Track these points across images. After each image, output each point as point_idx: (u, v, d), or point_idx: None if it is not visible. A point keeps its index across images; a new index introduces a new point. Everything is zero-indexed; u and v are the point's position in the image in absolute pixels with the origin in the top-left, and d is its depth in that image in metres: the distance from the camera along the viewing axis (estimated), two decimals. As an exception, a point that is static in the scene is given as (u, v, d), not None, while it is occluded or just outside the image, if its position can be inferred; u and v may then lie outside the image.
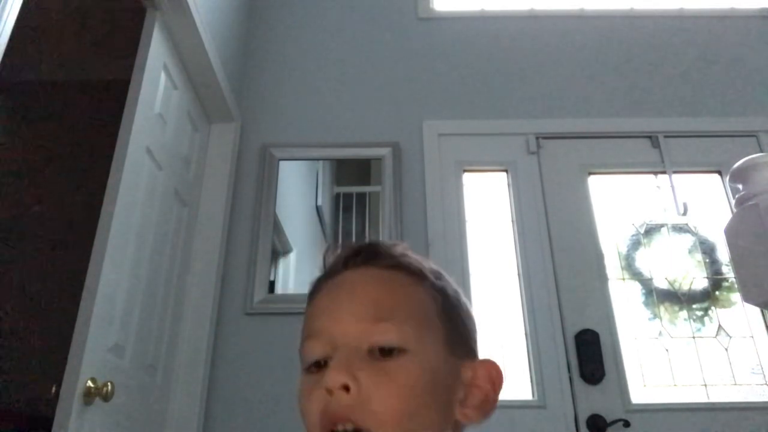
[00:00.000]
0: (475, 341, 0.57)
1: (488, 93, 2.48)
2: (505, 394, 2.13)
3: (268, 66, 2.56)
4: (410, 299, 0.53)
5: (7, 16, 1.17)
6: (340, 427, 0.46)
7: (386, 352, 0.49)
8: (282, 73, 2.54)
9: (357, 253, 0.56)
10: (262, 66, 2.56)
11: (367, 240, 0.55)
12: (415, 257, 0.57)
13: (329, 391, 0.47)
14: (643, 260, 2.17)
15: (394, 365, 0.48)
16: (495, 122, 2.41)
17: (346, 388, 0.46)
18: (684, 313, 2.09)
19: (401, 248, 0.58)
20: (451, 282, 0.58)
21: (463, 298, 0.58)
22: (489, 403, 0.54)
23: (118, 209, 1.47)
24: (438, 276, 0.57)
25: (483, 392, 0.53)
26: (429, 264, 0.58)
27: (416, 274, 0.55)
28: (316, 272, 0.60)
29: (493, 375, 0.54)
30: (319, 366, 0.50)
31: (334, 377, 0.47)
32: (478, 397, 0.53)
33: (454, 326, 0.54)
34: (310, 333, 0.53)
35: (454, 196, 2.25)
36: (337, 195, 2.42)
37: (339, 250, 0.57)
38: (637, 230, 2.22)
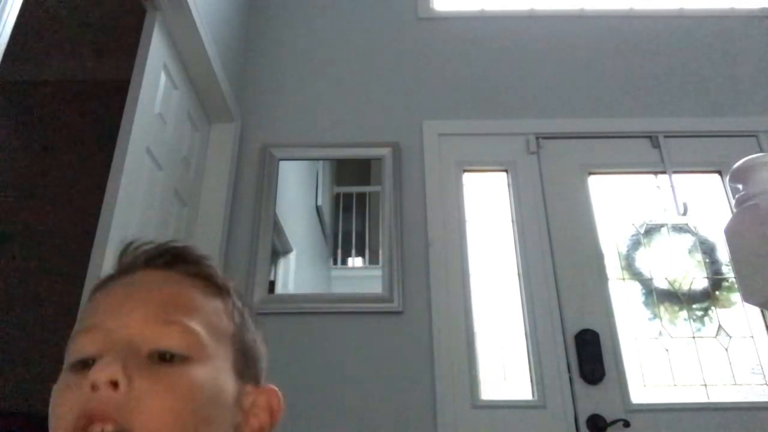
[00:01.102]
0: (262, 369, 0.54)
1: (488, 93, 2.48)
2: (506, 394, 2.11)
3: (268, 66, 2.56)
4: (207, 310, 0.49)
5: (7, 16, 1.17)
6: (97, 428, 0.40)
7: (168, 359, 0.44)
8: (282, 74, 2.54)
9: (160, 254, 0.52)
10: (262, 66, 2.56)
11: (173, 243, 0.53)
12: (219, 271, 0.54)
13: (94, 387, 0.41)
14: (643, 260, 2.17)
15: (174, 373, 0.44)
16: (495, 122, 2.41)
17: (115, 385, 0.41)
18: (684, 313, 2.09)
19: (207, 259, 0.54)
20: (249, 308, 0.56)
21: (257, 327, 0.56)
22: (263, 430, 0.50)
23: (118, 209, 1.47)
24: (240, 297, 0.55)
25: (259, 421, 0.50)
26: (234, 283, 0.55)
27: (220, 288, 0.52)
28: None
29: (273, 404, 0.52)
30: (86, 365, 0.44)
31: (102, 370, 0.41)
32: (253, 426, 0.49)
33: (245, 349, 0.52)
34: (83, 327, 0.47)
35: (454, 196, 2.25)
36: (337, 195, 2.42)
37: (140, 248, 0.53)
38: (637, 230, 2.22)
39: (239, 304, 0.54)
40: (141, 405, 0.41)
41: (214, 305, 0.51)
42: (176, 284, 0.50)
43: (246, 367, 0.51)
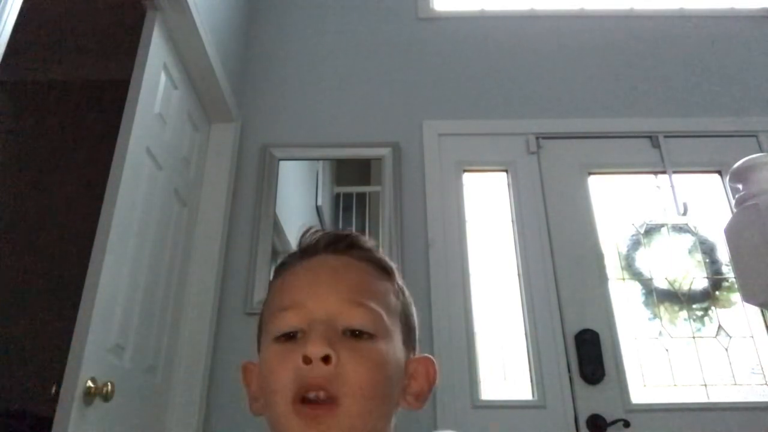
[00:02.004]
0: (417, 339, 0.62)
1: (488, 93, 2.48)
2: (506, 394, 2.11)
3: (268, 66, 2.56)
4: (382, 291, 0.57)
5: (7, 16, 1.17)
6: (312, 395, 0.49)
7: (357, 335, 0.52)
8: (282, 73, 2.54)
9: (338, 240, 0.59)
10: (262, 66, 2.56)
11: (346, 231, 0.61)
12: (383, 254, 0.62)
13: (308, 360, 0.49)
14: (643, 260, 2.17)
15: (366, 347, 0.52)
16: (495, 122, 2.41)
17: (325, 360, 0.49)
18: (684, 313, 2.09)
19: (373, 244, 0.62)
20: (404, 284, 0.63)
21: (411, 300, 0.63)
22: (423, 394, 0.58)
23: (118, 209, 1.47)
24: (399, 276, 0.62)
25: (419, 385, 0.58)
26: (396, 265, 0.63)
27: (387, 270, 0.60)
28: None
29: (430, 371, 0.59)
30: (289, 338, 0.53)
31: (317, 347, 0.49)
32: (415, 389, 0.57)
33: (408, 322, 0.60)
34: (286, 304, 0.54)
35: (454, 196, 2.25)
36: (337, 195, 2.42)
37: (318, 234, 0.61)
38: (637, 230, 2.22)
39: (400, 283, 0.61)
40: (346, 375, 0.50)
41: (385, 287, 0.58)
42: (357, 269, 0.57)
43: (409, 338, 0.59)
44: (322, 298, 0.54)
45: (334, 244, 0.59)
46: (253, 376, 0.59)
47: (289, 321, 0.53)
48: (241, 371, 0.61)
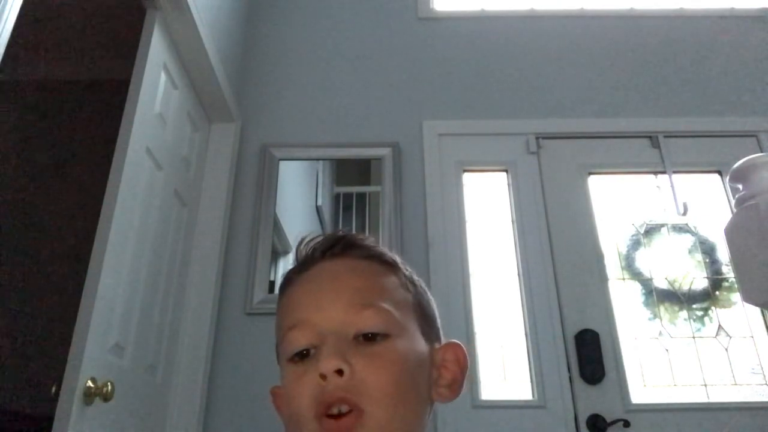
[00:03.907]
0: (439, 327, 0.60)
1: (488, 93, 2.48)
2: (505, 394, 2.10)
3: (268, 66, 2.56)
4: (389, 287, 0.55)
5: (8, 16, 1.17)
6: (335, 410, 0.48)
7: (370, 338, 0.50)
8: (282, 73, 2.54)
9: (333, 244, 0.57)
10: (262, 66, 2.56)
11: (340, 233, 0.58)
12: (385, 248, 0.60)
13: (323, 377, 0.48)
14: (643, 260, 2.17)
15: (380, 348, 0.50)
16: (495, 122, 2.41)
17: (340, 372, 0.48)
18: (684, 313, 2.09)
19: (371, 240, 0.60)
20: (415, 273, 0.61)
21: (426, 287, 0.62)
22: (457, 382, 0.56)
23: (118, 209, 1.47)
24: (406, 266, 0.60)
25: (451, 373, 0.55)
26: (397, 256, 0.60)
27: (390, 264, 0.58)
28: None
29: (460, 356, 0.56)
30: (303, 356, 0.51)
31: (328, 362, 0.48)
32: (447, 378, 0.55)
33: (424, 312, 0.57)
34: (292, 323, 0.53)
35: (454, 196, 2.25)
36: (337, 195, 2.42)
37: (313, 242, 0.58)
38: (637, 230, 2.22)
39: (408, 273, 0.59)
40: (365, 383, 0.48)
41: (391, 281, 0.56)
42: (358, 270, 0.55)
43: (429, 328, 0.57)
44: (327, 309, 0.52)
45: (330, 248, 0.57)
46: (282, 400, 0.56)
47: (298, 340, 0.52)
48: (271, 398, 0.59)
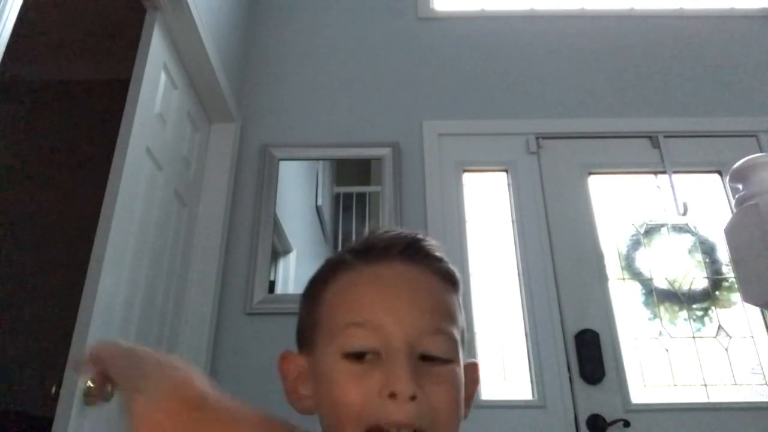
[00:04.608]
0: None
1: (488, 93, 2.48)
2: (506, 394, 2.10)
3: (268, 66, 2.56)
4: (455, 311, 0.54)
5: (7, 16, 1.17)
6: (393, 430, 0.46)
7: (431, 359, 0.50)
8: (282, 73, 2.54)
9: (412, 246, 0.55)
10: (262, 66, 2.56)
11: (420, 236, 0.58)
12: (451, 261, 0.58)
13: (393, 396, 0.46)
14: (643, 260, 2.17)
15: (445, 372, 0.50)
16: (495, 122, 2.41)
17: (414, 398, 0.46)
18: (684, 313, 2.09)
19: (443, 249, 0.58)
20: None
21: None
22: (471, 399, 0.56)
23: (118, 209, 1.47)
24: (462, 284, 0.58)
25: (470, 391, 0.55)
26: (457, 269, 0.58)
27: (456, 284, 0.56)
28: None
29: (477, 376, 0.57)
30: (359, 356, 0.49)
31: (406, 385, 0.46)
32: (467, 397, 0.55)
33: (464, 334, 0.56)
34: (359, 321, 0.50)
35: (454, 196, 2.25)
36: (337, 195, 2.42)
37: (388, 236, 0.56)
38: (637, 230, 2.22)
39: (461, 292, 0.57)
40: (436, 411, 0.48)
41: (456, 303, 0.55)
42: (433, 286, 0.54)
43: (464, 349, 0.55)
44: (402, 321, 0.50)
45: (408, 250, 0.54)
46: (293, 366, 0.55)
47: (363, 341, 0.49)
48: (279, 361, 0.57)
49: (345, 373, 0.49)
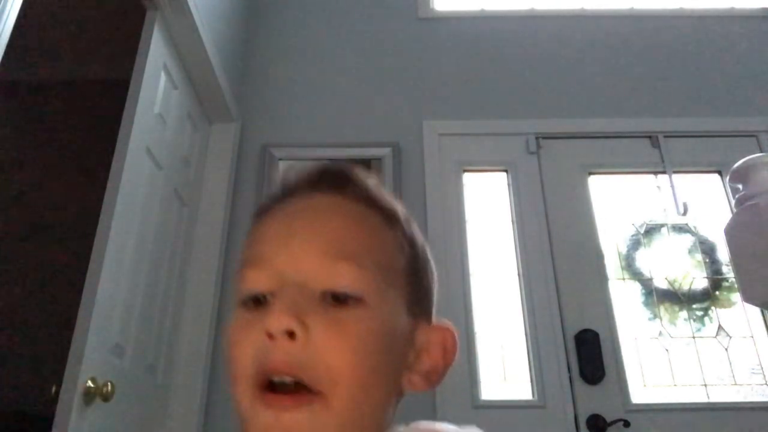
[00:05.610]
0: (433, 303, 0.50)
1: (488, 93, 2.48)
2: (506, 394, 2.10)
3: (268, 66, 2.56)
4: (378, 244, 0.45)
5: (7, 16, 1.17)
6: (276, 379, 0.39)
7: (341, 300, 0.41)
8: (282, 73, 2.54)
9: (325, 176, 0.48)
10: (262, 66, 2.56)
11: (339, 164, 0.51)
12: (388, 194, 0.49)
13: (270, 336, 0.39)
14: (643, 260, 2.17)
15: (350, 315, 0.41)
16: (495, 122, 2.40)
17: (291, 335, 0.39)
18: (684, 313, 2.09)
19: (375, 181, 0.49)
20: (419, 232, 0.50)
21: (429, 254, 0.51)
22: (436, 373, 0.47)
23: (118, 209, 1.47)
24: (408, 222, 0.49)
25: (433, 360, 0.46)
26: (401, 206, 0.49)
27: (389, 216, 0.47)
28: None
29: (448, 343, 0.47)
30: (258, 302, 0.42)
31: (278, 319, 0.39)
32: (426, 365, 0.46)
33: (417, 283, 0.48)
34: (252, 260, 0.44)
35: (454, 196, 2.25)
36: (337, 195, 2.41)
37: (303, 170, 0.49)
38: (637, 230, 2.22)
39: (409, 232, 0.48)
40: (318, 356, 0.39)
41: (384, 237, 0.46)
42: (346, 215, 0.45)
43: (418, 302, 0.47)
44: (296, 252, 0.42)
45: (320, 180, 0.47)
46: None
47: (254, 281, 0.43)
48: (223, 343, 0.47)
49: (237, 323, 0.43)
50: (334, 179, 0.47)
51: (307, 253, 0.42)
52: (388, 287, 0.43)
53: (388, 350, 0.43)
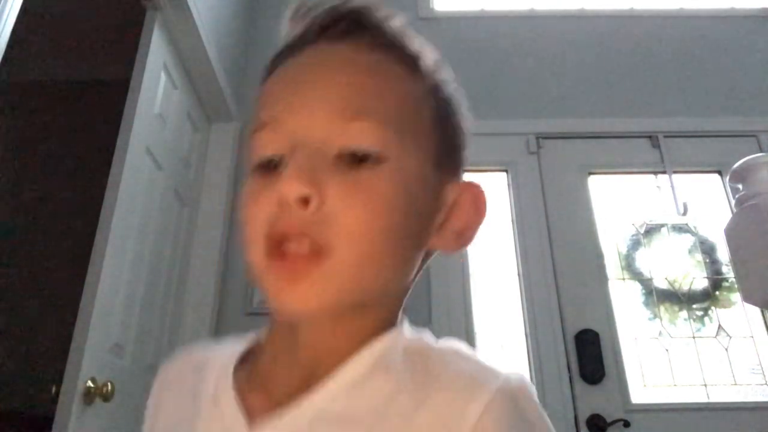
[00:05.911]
0: (465, 158, 0.47)
1: (488, 93, 2.48)
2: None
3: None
4: (398, 95, 0.41)
5: (7, 16, 1.17)
6: (292, 247, 0.36)
7: (359, 159, 0.38)
8: (282, 73, 2.54)
9: (339, 20, 0.42)
10: (263, 66, 2.55)
11: (353, 3, 0.43)
12: (414, 37, 0.44)
13: (283, 204, 0.36)
14: (643, 260, 2.17)
15: (368, 175, 0.38)
16: (495, 122, 2.40)
17: (305, 201, 0.36)
18: (684, 313, 2.09)
19: (399, 22, 0.44)
20: (449, 79, 0.47)
21: (462, 103, 0.48)
22: (469, 231, 0.44)
23: (118, 209, 1.47)
24: (438, 67, 0.45)
25: (465, 218, 0.44)
26: (428, 49, 0.45)
27: (411, 62, 0.43)
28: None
29: (480, 200, 0.44)
30: (270, 168, 0.39)
31: (291, 185, 0.36)
32: (458, 224, 0.43)
33: (446, 137, 0.44)
34: (261, 122, 0.41)
35: (454, 196, 2.24)
36: (337, 195, 2.41)
37: (312, 12, 0.44)
38: (637, 230, 2.22)
39: (436, 78, 0.44)
40: (335, 221, 0.36)
41: (405, 87, 0.41)
42: (361, 62, 0.41)
43: (447, 157, 0.43)
44: (307, 112, 0.39)
45: (332, 26, 0.42)
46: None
47: (264, 145, 0.40)
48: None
49: (249, 190, 0.40)
50: (350, 23, 0.42)
51: (320, 112, 0.39)
52: (410, 142, 0.40)
53: (411, 208, 0.39)
